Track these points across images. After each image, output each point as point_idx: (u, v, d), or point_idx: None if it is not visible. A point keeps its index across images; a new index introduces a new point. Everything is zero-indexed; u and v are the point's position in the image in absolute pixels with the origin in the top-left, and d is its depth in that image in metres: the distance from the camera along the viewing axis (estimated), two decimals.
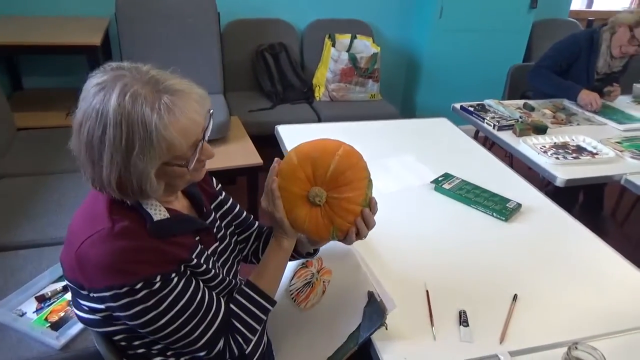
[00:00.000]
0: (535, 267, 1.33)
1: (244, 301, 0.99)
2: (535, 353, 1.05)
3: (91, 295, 0.86)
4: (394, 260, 1.31)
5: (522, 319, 1.14)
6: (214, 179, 1.17)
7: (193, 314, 0.90)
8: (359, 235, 1.02)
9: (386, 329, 1.05)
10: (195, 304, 0.91)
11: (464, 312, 1.13)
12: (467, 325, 1.10)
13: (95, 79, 0.83)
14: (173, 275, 0.88)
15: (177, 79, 0.88)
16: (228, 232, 1.13)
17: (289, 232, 1.02)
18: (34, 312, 1.44)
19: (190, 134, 0.87)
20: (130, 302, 0.84)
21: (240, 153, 2.50)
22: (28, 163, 2.24)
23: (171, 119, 0.82)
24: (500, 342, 1.07)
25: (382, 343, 1.05)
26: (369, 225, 1.01)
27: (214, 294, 0.97)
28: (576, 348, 0.94)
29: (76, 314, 0.96)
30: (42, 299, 1.48)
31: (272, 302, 1.02)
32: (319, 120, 3.09)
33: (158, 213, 0.91)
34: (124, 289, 0.83)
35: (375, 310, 1.05)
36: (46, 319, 1.41)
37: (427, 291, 1.19)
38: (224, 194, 1.18)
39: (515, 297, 1.19)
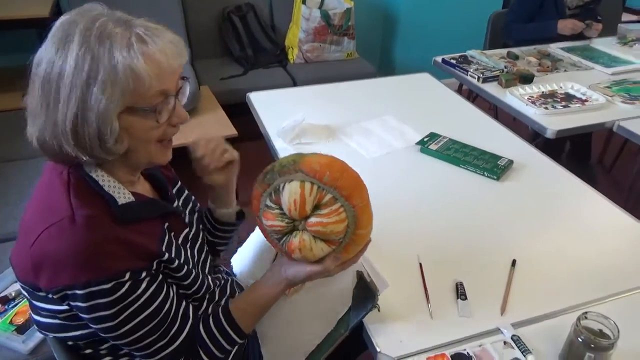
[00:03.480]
0: (532, 227, 1.25)
1: (214, 329, 0.88)
2: (540, 322, 0.98)
3: (49, 296, 0.75)
4: (382, 232, 1.20)
5: (523, 286, 1.06)
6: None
7: (157, 326, 0.80)
8: None
9: (378, 310, 0.96)
10: (160, 315, 0.80)
11: (461, 284, 1.05)
12: (465, 299, 1.02)
13: (62, 17, 0.75)
14: (143, 274, 0.77)
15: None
16: (195, 219, 1.02)
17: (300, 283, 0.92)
18: None
19: (164, 74, 0.76)
20: (92, 305, 0.73)
21: (213, 125, 2.36)
22: None
23: (143, 48, 0.73)
24: (502, 314, 0.99)
25: (374, 326, 0.96)
26: None
27: (183, 305, 0.86)
28: (586, 317, 0.86)
29: (34, 318, 0.85)
30: (5, 301, 1.36)
31: (244, 337, 0.91)
32: (295, 84, 2.93)
33: (122, 196, 0.81)
34: (88, 289, 0.72)
35: (365, 292, 0.96)
36: (11, 322, 1.30)
37: (420, 264, 1.10)
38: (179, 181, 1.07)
39: (513, 262, 1.11)
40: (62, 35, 0.72)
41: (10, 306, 1.35)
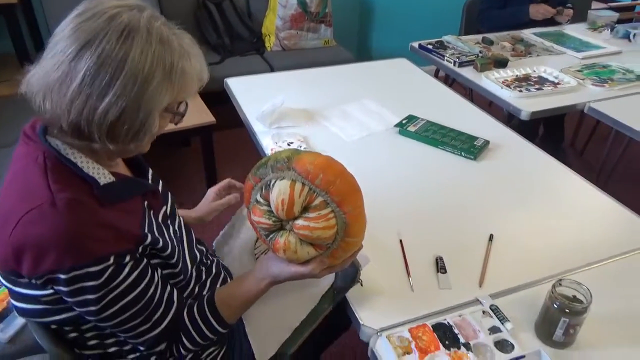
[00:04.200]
0: (508, 204, 1.28)
1: (198, 318, 0.89)
2: (517, 293, 1.01)
3: (32, 282, 0.75)
4: None
5: (500, 259, 1.09)
6: None
7: (140, 310, 0.81)
8: None
9: (361, 285, 0.98)
10: (144, 300, 0.81)
11: (441, 259, 1.07)
12: (445, 272, 1.04)
13: (109, 10, 0.73)
14: (127, 258, 0.77)
15: None
16: (168, 196, 1.02)
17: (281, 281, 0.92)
18: None
19: (199, 85, 0.84)
20: (76, 289, 0.73)
21: (191, 112, 2.32)
22: None
23: (193, 59, 0.80)
24: (480, 286, 1.02)
25: (358, 300, 0.98)
26: None
27: (168, 289, 0.87)
28: (560, 284, 0.89)
29: (15, 305, 0.84)
30: None
31: (227, 328, 0.92)
32: (272, 72, 2.92)
33: (103, 176, 0.80)
34: (72, 274, 0.72)
35: (348, 268, 0.98)
36: None
37: (400, 241, 1.13)
38: None
39: (491, 237, 1.14)
40: (119, 30, 0.71)
41: None
